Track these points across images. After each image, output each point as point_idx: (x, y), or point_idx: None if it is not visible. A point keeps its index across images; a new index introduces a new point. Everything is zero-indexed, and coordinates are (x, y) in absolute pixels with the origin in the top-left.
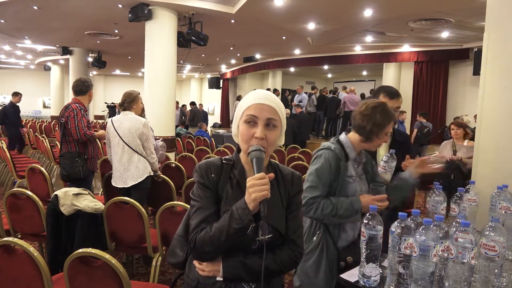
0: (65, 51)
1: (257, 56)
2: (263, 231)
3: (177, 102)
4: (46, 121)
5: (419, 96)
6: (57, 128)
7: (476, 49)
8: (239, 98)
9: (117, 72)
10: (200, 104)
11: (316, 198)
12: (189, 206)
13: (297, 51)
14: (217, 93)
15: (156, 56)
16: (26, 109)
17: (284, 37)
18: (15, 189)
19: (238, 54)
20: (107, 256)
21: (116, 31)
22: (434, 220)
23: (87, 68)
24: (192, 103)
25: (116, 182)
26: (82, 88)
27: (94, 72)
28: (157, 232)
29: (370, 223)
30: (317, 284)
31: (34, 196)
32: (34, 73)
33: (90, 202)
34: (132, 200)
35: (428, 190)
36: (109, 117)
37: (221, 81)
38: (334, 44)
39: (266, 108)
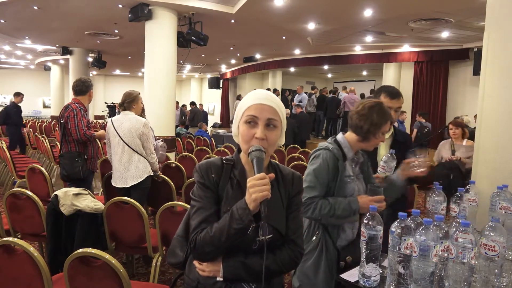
0: (65, 51)
1: (257, 56)
2: (264, 231)
3: (177, 102)
4: (46, 121)
5: (419, 96)
6: (57, 128)
7: (476, 49)
8: (239, 97)
9: (117, 72)
10: (200, 104)
11: (314, 198)
12: (189, 206)
13: (297, 51)
14: (217, 93)
15: (156, 56)
16: (26, 109)
17: (284, 37)
18: (15, 189)
19: (238, 54)
20: (107, 256)
21: (116, 31)
22: (434, 220)
23: (87, 68)
24: (192, 103)
25: (116, 182)
26: (82, 88)
27: (94, 72)
28: (157, 232)
29: (370, 223)
30: (317, 284)
31: (34, 196)
32: (34, 73)
33: (90, 202)
34: (132, 200)
35: (428, 190)
36: (109, 117)
37: (221, 81)
38: (334, 44)
39: (266, 108)
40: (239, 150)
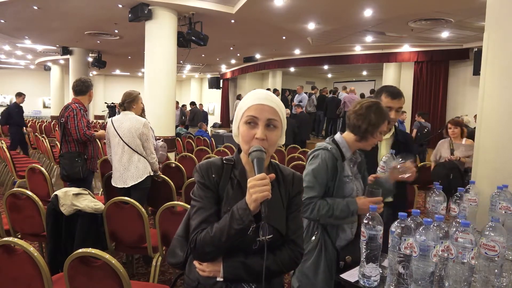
0: (65, 51)
1: (257, 56)
2: (264, 231)
3: (177, 102)
4: (46, 121)
5: (419, 96)
6: (57, 128)
7: (476, 49)
8: (239, 97)
9: (117, 72)
10: (200, 104)
11: (313, 198)
12: (189, 206)
13: (297, 51)
14: (217, 93)
15: (156, 56)
16: (26, 109)
17: (284, 37)
18: (15, 189)
19: (238, 54)
20: (107, 256)
21: (116, 31)
22: (434, 220)
23: (87, 68)
24: (192, 103)
25: (116, 182)
26: (82, 88)
27: (94, 72)
28: (157, 232)
29: (370, 223)
30: (316, 284)
31: (34, 196)
32: (34, 73)
33: (90, 202)
34: (132, 200)
35: (428, 190)
36: (109, 117)
37: (221, 81)
38: (334, 44)
39: (266, 108)
40: (239, 150)
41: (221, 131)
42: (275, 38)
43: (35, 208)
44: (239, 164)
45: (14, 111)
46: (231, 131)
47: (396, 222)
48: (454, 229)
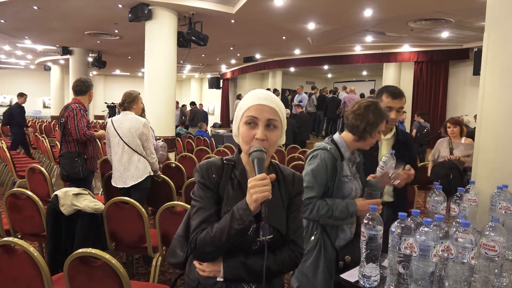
0: (65, 51)
1: (257, 56)
2: (264, 231)
3: (177, 102)
4: (46, 121)
5: (419, 96)
6: (57, 128)
7: (476, 49)
8: (239, 97)
9: (117, 72)
10: (200, 104)
11: (312, 198)
12: (189, 206)
13: (297, 51)
14: (217, 93)
15: (156, 56)
16: (27, 109)
17: (284, 37)
18: (15, 189)
19: (238, 54)
20: (107, 256)
21: (116, 31)
22: (434, 220)
23: (87, 68)
24: (192, 103)
25: (116, 182)
26: (82, 88)
27: (94, 72)
28: (157, 232)
29: (370, 223)
30: (316, 284)
31: (34, 196)
32: (34, 73)
33: (90, 202)
34: (132, 200)
35: (428, 190)
36: (109, 117)
37: (221, 81)
38: (334, 44)
39: (266, 109)
40: (240, 150)
41: (221, 131)
42: (275, 38)
43: (35, 208)
44: (239, 164)
45: (16, 111)
46: (231, 131)
47: (396, 222)
48: (454, 229)
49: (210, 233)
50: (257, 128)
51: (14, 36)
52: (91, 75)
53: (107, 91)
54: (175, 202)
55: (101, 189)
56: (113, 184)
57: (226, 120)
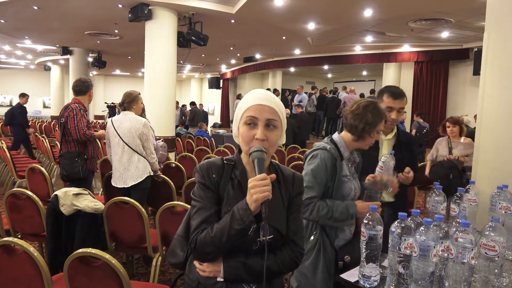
0: (65, 51)
1: (257, 56)
2: (264, 232)
3: (177, 102)
4: (46, 121)
5: (419, 96)
6: (57, 128)
7: (476, 49)
8: (239, 96)
9: (117, 72)
10: (200, 104)
11: (313, 198)
12: (189, 206)
13: (297, 51)
14: (217, 93)
15: (156, 56)
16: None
17: (284, 37)
18: (15, 189)
19: (238, 54)
20: (107, 256)
21: (116, 31)
22: (434, 220)
23: (87, 68)
24: (192, 103)
25: (116, 182)
26: (82, 88)
27: (94, 72)
28: (157, 232)
29: (370, 223)
30: (315, 284)
31: (34, 196)
32: (34, 73)
33: (90, 202)
34: (132, 200)
35: (428, 190)
36: (109, 117)
37: (221, 81)
38: (334, 44)
39: (266, 109)
40: (240, 150)
41: (221, 131)
42: (275, 38)
43: (35, 208)
44: (239, 164)
45: (17, 112)
46: (231, 131)
47: (396, 222)
48: (454, 229)
49: (210, 233)
50: (257, 128)
51: (14, 36)
52: (91, 75)
53: (107, 91)
54: (175, 202)
55: (101, 189)
56: (113, 184)
57: (226, 120)
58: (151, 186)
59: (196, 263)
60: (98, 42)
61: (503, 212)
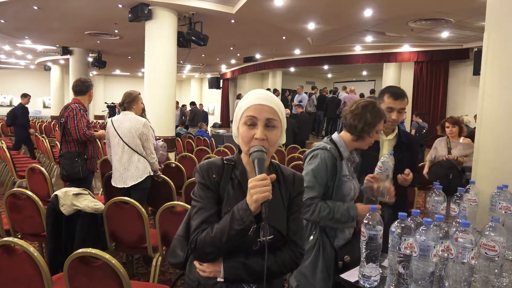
0: (65, 51)
1: (257, 56)
2: (265, 232)
3: (177, 102)
4: (46, 121)
5: (419, 96)
6: (57, 128)
7: (476, 49)
8: (239, 96)
9: (117, 72)
10: (200, 104)
11: (314, 199)
12: (189, 206)
13: (297, 51)
14: (217, 93)
15: (156, 56)
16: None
17: (284, 37)
18: (15, 189)
19: (238, 54)
20: (107, 256)
21: (116, 31)
22: (434, 220)
23: (87, 68)
24: (192, 103)
25: (116, 182)
26: (82, 88)
27: (94, 72)
28: (157, 232)
29: (370, 223)
30: (315, 284)
31: (34, 196)
32: (34, 73)
33: (90, 202)
34: (132, 200)
35: (428, 190)
36: (109, 117)
37: (221, 81)
38: (334, 44)
39: (265, 108)
40: (240, 151)
41: (221, 131)
42: (275, 38)
43: (35, 208)
44: (239, 164)
45: (19, 112)
46: (231, 131)
47: (396, 222)
48: (454, 229)
49: (211, 234)
50: (256, 128)
51: (14, 36)
52: (91, 75)
53: (107, 91)
54: (175, 202)
55: (101, 189)
56: (113, 184)
57: (226, 120)
58: (151, 186)
59: (196, 263)
60: (98, 42)
61: (503, 212)
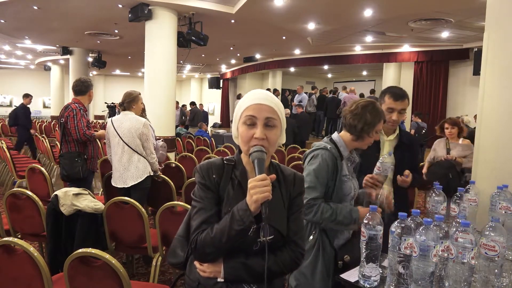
0: (65, 51)
1: (257, 56)
2: (265, 232)
3: (177, 102)
4: (46, 121)
5: (419, 96)
6: (57, 128)
7: (476, 49)
8: (239, 96)
9: (117, 72)
10: (201, 104)
11: (316, 199)
12: (189, 206)
13: (297, 51)
14: (217, 93)
15: (156, 56)
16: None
17: (284, 37)
18: (15, 189)
19: (238, 54)
20: (107, 256)
21: (116, 31)
22: (434, 220)
23: (87, 68)
24: (192, 103)
25: (116, 182)
26: (82, 88)
27: (94, 72)
28: (157, 232)
29: (370, 223)
30: (314, 284)
31: (34, 196)
32: (34, 73)
33: (90, 202)
34: (132, 200)
35: (428, 190)
36: (109, 117)
37: (221, 81)
38: (334, 44)
39: (264, 108)
40: (240, 151)
41: (221, 131)
42: (275, 38)
43: (35, 208)
44: (239, 164)
45: (21, 112)
46: (231, 131)
47: (396, 222)
48: (454, 229)
49: (211, 234)
50: (256, 128)
51: (14, 36)
52: (91, 75)
53: (107, 91)
54: (175, 202)
55: (101, 189)
56: (113, 184)
57: (226, 120)
58: (151, 186)
59: (196, 263)
60: (98, 42)
61: (503, 212)
